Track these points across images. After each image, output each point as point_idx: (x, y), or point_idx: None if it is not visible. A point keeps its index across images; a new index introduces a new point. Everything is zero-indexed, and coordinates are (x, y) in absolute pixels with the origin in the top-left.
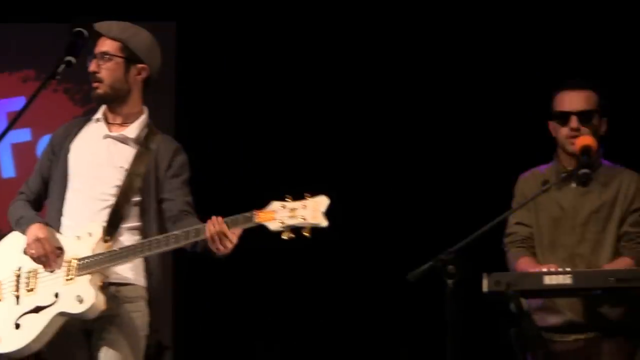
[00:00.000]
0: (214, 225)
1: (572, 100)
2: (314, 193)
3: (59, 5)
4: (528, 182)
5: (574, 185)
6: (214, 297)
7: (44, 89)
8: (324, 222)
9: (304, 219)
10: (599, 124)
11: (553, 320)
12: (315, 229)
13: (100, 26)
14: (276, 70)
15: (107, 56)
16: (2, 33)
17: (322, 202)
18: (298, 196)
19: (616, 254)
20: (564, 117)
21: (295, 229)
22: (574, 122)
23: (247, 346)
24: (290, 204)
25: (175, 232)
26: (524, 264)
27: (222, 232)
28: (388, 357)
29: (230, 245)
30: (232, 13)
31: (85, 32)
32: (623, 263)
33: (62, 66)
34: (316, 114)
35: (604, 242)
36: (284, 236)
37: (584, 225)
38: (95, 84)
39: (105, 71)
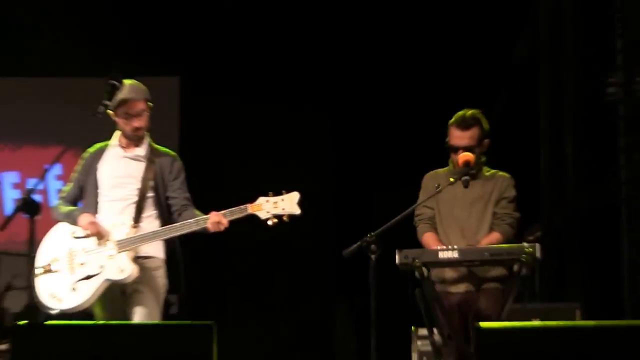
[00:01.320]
0: (217, 216)
1: (461, 137)
2: (288, 190)
3: (82, 62)
4: (432, 178)
5: (451, 183)
6: (208, 266)
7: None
8: (298, 211)
9: (284, 209)
10: (481, 147)
11: (448, 275)
12: (292, 216)
13: (131, 92)
14: (250, 111)
15: (145, 112)
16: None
17: (295, 196)
18: (277, 192)
19: (492, 228)
20: (455, 149)
21: (278, 217)
22: (460, 154)
23: (231, 303)
24: (272, 198)
25: (188, 220)
26: (427, 238)
27: (220, 222)
28: (327, 310)
29: (222, 229)
30: (221, 70)
31: (118, 84)
32: (494, 237)
33: (102, 108)
34: (273, 146)
35: (484, 219)
36: (270, 222)
37: (471, 205)
38: (139, 132)
39: (144, 121)
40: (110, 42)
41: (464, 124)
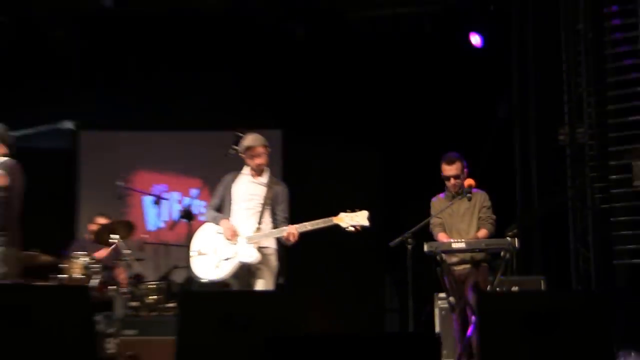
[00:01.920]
0: (291, 228)
1: (449, 169)
2: (361, 208)
3: (217, 120)
4: (438, 200)
5: (459, 198)
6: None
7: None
8: (367, 223)
9: (358, 221)
10: (463, 174)
11: (454, 259)
12: (363, 226)
13: (254, 140)
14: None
15: (263, 154)
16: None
17: (365, 213)
18: (352, 210)
19: (478, 227)
20: (447, 179)
21: (354, 226)
22: (452, 180)
23: (318, 278)
24: (349, 214)
25: (282, 228)
26: (441, 236)
27: (293, 234)
28: (379, 281)
29: (292, 239)
30: (307, 126)
31: (242, 134)
32: (483, 232)
33: (232, 151)
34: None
35: (472, 223)
36: (348, 230)
37: (462, 215)
38: (260, 167)
39: (264, 160)
40: (236, 106)
41: (450, 160)
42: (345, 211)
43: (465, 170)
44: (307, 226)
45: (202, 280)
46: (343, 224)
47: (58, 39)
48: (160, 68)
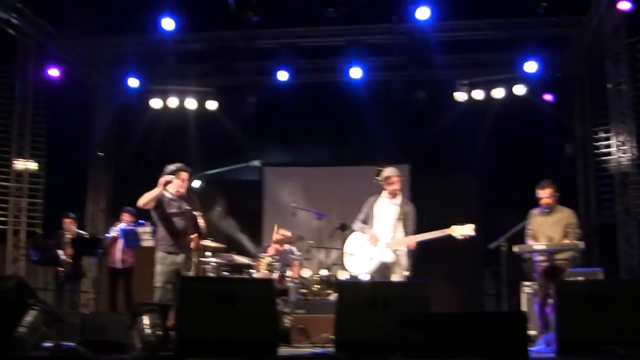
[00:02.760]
0: (410, 240)
1: (542, 193)
2: (468, 222)
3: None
4: (534, 213)
5: (546, 213)
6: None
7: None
8: (473, 233)
9: (466, 232)
10: (554, 196)
11: (541, 258)
12: (470, 236)
13: (391, 172)
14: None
15: (397, 182)
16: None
17: (472, 225)
18: (462, 223)
19: (564, 237)
20: (539, 199)
21: (463, 235)
22: (543, 200)
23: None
24: (459, 226)
25: (405, 238)
26: (529, 241)
27: (411, 244)
28: (481, 273)
29: (412, 248)
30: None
31: (382, 168)
32: (568, 240)
33: (374, 180)
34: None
35: (558, 233)
36: (458, 238)
37: (551, 225)
38: (395, 191)
39: (398, 186)
40: (377, 148)
41: (542, 186)
42: (456, 224)
43: (557, 194)
44: (428, 236)
45: (352, 274)
46: (454, 234)
47: (249, 102)
48: (320, 121)
